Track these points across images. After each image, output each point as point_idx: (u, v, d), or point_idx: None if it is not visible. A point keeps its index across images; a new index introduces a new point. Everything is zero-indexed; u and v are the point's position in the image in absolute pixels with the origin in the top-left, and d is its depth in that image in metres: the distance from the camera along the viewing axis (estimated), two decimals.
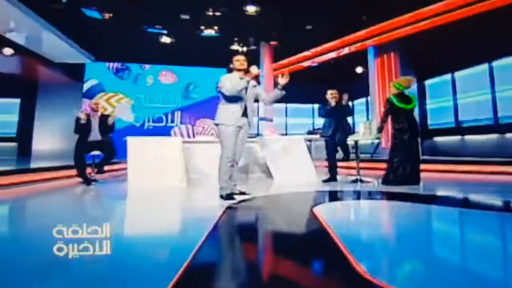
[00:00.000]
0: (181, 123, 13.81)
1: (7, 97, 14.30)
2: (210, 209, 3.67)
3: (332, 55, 13.75)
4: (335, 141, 5.74)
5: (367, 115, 12.98)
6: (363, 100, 14.91)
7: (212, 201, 4.09)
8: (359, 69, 14.30)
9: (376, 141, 11.86)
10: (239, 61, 4.39)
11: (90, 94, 13.42)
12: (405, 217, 3.26)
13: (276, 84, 4.22)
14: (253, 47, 13.97)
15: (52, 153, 12.94)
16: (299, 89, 16.46)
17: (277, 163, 6.18)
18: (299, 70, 15.24)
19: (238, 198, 4.15)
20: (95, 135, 6.06)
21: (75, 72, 13.74)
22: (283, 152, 6.29)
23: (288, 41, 13.72)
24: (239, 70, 4.38)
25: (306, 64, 15.12)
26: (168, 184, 5.39)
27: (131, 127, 13.34)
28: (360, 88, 13.45)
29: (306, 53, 14.18)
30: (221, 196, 4.17)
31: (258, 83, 4.53)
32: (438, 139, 11.63)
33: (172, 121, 13.76)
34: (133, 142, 5.69)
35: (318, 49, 13.68)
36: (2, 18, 9.73)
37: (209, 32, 12.34)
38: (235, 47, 13.70)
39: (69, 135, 6.55)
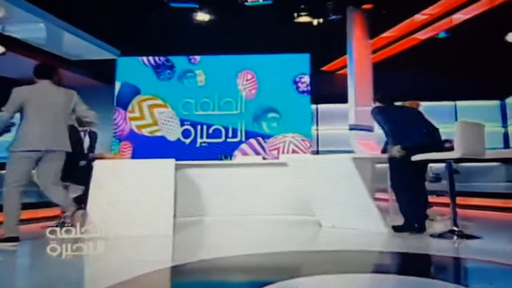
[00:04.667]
0: (247, 137, 11.32)
1: None
2: None
3: (463, 15, 10.57)
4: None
5: None
6: None
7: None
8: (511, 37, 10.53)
9: None
10: None
11: (124, 100, 11.52)
12: None
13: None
14: (333, 17, 11.48)
15: None
16: (417, 76, 13.69)
17: (320, 199, 5.22)
18: (414, 47, 12.43)
19: None
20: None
21: (102, 72, 12.34)
22: (325, 180, 5.11)
23: (390, 1, 10.87)
24: None
25: (423, 35, 12.01)
26: (143, 231, 4.61)
27: (179, 145, 11.30)
28: None
29: (419, 16, 11.19)
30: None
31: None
32: None
33: (235, 135, 11.33)
34: (100, 168, 4.94)
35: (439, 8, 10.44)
36: None
37: None
38: (304, 19, 11.42)
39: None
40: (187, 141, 11.33)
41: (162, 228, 4.69)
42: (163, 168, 5.05)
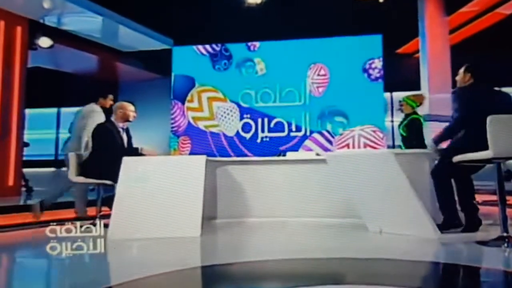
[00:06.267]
0: (311, 131, 10.57)
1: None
2: None
3: None
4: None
5: None
6: None
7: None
8: None
9: None
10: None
11: (180, 92, 11.18)
12: None
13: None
14: None
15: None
16: (504, 59, 12.39)
17: (365, 200, 4.90)
18: (499, 23, 11.33)
19: None
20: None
21: (158, 63, 12.15)
22: (366, 179, 4.75)
23: None
24: None
25: (509, 9, 10.90)
26: (169, 232, 4.53)
27: (239, 140, 10.81)
28: None
29: None
30: None
31: None
32: None
33: (299, 129, 10.61)
34: (127, 166, 4.83)
35: None
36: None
37: None
38: None
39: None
40: (248, 135, 10.83)
41: (189, 229, 4.67)
42: (193, 165, 5.00)
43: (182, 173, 4.89)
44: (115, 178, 5.13)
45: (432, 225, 4.37)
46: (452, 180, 4.66)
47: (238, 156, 7.57)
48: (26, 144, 10.36)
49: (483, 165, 4.48)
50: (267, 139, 10.74)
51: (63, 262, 3.57)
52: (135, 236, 4.48)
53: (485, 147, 3.91)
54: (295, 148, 10.23)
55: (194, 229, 4.66)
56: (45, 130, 13.53)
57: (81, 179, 5.40)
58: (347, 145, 10.22)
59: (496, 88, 4.71)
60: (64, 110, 13.92)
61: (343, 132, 10.43)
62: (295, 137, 10.64)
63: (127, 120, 5.69)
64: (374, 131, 10.16)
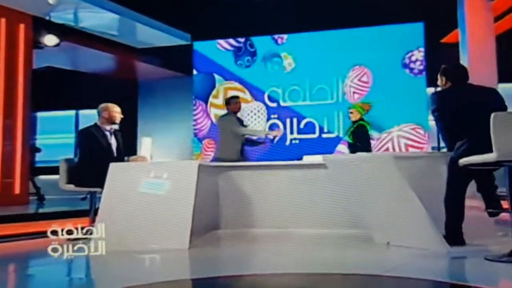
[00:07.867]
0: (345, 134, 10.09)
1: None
2: None
3: None
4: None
5: None
6: None
7: None
8: None
9: None
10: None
11: (202, 91, 10.86)
12: None
13: None
14: None
15: None
16: None
17: (370, 209, 4.66)
18: None
19: None
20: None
21: (176, 60, 11.61)
22: (367, 186, 4.54)
23: None
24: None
25: None
26: (155, 245, 4.28)
27: (266, 143, 10.13)
28: None
29: None
30: None
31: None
32: None
33: (331, 130, 10.03)
34: (113, 173, 4.57)
35: None
36: None
37: None
38: None
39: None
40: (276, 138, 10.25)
41: (176, 242, 4.38)
42: (184, 171, 4.71)
43: (172, 180, 4.59)
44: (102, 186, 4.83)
45: (440, 238, 4.03)
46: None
47: (265, 160, 7.18)
48: (38, 150, 10.05)
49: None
50: (297, 141, 10.25)
51: (48, 270, 3.51)
52: (116, 249, 4.05)
53: (487, 149, 3.51)
54: (329, 151, 9.54)
55: (181, 241, 4.34)
56: (62, 134, 13.14)
57: (71, 187, 5.08)
58: (387, 149, 9.54)
59: (481, 85, 4.31)
60: (82, 112, 13.49)
61: (380, 136, 9.72)
62: (327, 139, 10.09)
63: (114, 122, 5.28)
64: (413, 129, 9.40)
